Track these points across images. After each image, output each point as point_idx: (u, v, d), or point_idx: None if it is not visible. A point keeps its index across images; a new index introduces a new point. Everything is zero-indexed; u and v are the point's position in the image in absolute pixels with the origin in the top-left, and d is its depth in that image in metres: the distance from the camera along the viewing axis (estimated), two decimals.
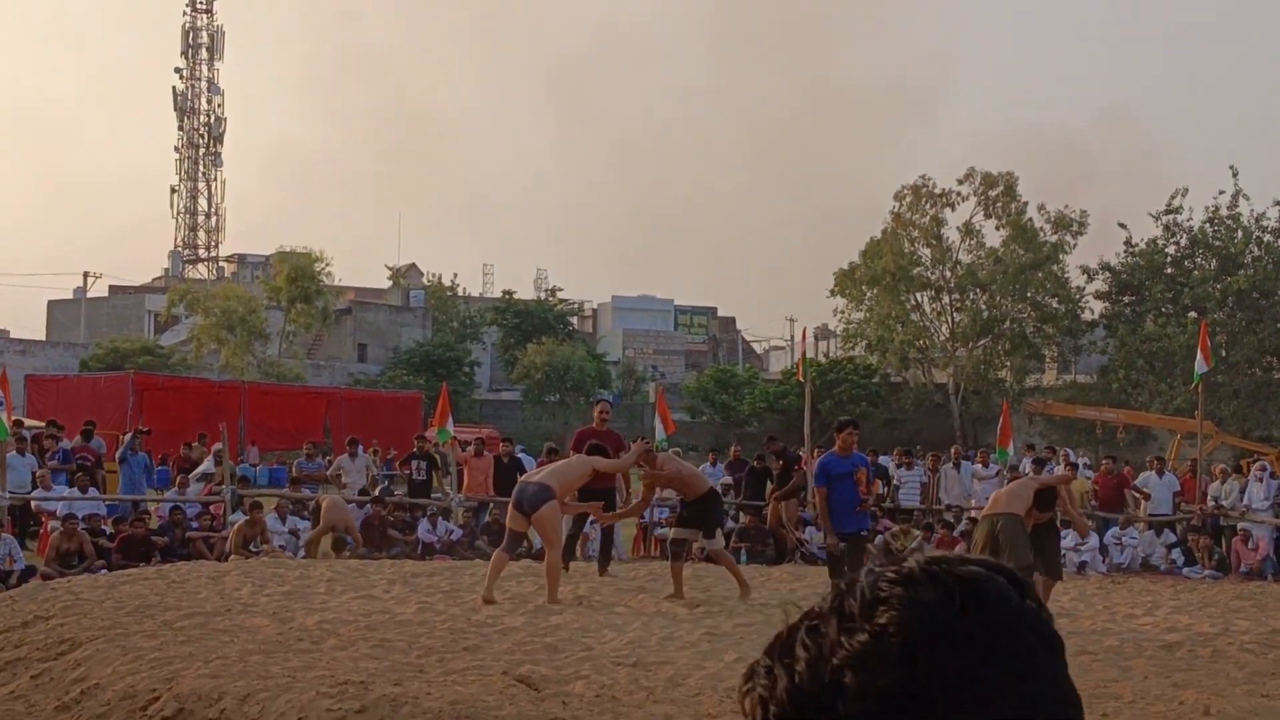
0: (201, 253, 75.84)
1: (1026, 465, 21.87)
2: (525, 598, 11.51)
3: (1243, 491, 19.07)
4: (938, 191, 45.42)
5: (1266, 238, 40.29)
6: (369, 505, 18.33)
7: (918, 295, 46.43)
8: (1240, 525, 18.38)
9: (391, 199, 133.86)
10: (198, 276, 69.09)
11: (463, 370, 49.90)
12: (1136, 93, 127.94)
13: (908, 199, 45.87)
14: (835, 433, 10.99)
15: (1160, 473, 20.21)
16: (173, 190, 75.84)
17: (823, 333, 61.27)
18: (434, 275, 61.93)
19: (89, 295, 60.40)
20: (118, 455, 19.36)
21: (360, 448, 20.41)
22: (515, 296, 58.75)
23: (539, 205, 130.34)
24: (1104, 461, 21.10)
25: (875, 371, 47.81)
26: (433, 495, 19.39)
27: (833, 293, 47.55)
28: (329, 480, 19.93)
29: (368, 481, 19.64)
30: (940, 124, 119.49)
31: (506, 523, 12.09)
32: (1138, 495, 19.96)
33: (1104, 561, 17.99)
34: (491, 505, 18.66)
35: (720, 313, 75.45)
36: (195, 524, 17.11)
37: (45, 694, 7.68)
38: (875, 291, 46.06)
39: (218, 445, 19.21)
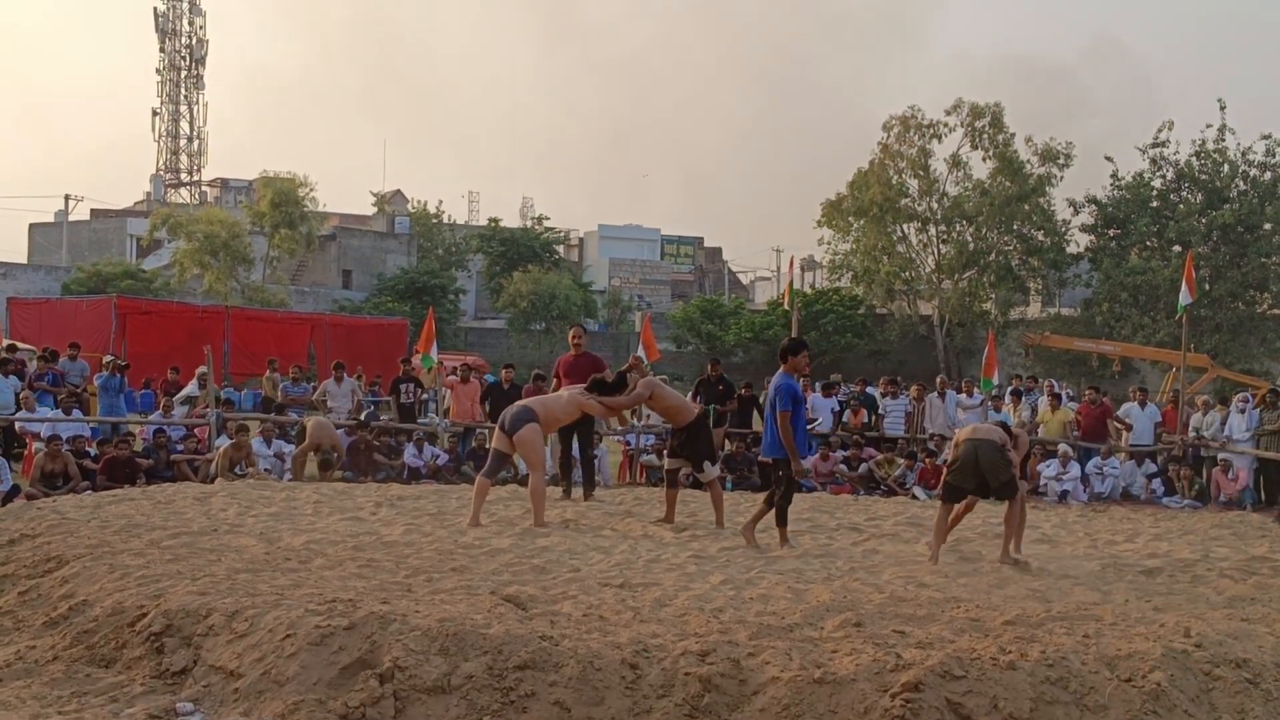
0: (184, 176, 75.18)
1: (1007, 398, 21.99)
2: (512, 521, 11.56)
3: (1224, 423, 19.21)
4: (926, 122, 45.14)
5: (1252, 172, 40.19)
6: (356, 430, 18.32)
7: (904, 227, 46.31)
8: (1220, 456, 18.53)
9: (376, 125, 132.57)
10: (180, 200, 68.46)
11: (448, 298, 49.69)
12: (1126, 23, 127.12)
13: (896, 130, 45.59)
14: (789, 356, 10.62)
15: (1143, 404, 20.34)
16: (154, 113, 75.04)
17: (809, 264, 61.21)
18: (419, 202, 61.49)
19: (70, 218, 59.78)
20: (97, 382, 19.29)
21: (345, 373, 20.39)
22: (501, 224, 58.40)
23: (524, 131, 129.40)
24: (1087, 392, 21.18)
25: (861, 303, 47.85)
26: (420, 420, 19.41)
27: (819, 224, 47.39)
28: (314, 404, 19.93)
29: (353, 406, 19.62)
30: (929, 53, 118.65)
31: (491, 443, 12.11)
32: (1120, 426, 20.09)
33: (1085, 490, 18.14)
34: (477, 430, 18.70)
35: (707, 243, 75.32)
36: (179, 447, 17.10)
37: (33, 610, 7.70)
38: (862, 223, 45.91)
39: (202, 368, 19.14)
